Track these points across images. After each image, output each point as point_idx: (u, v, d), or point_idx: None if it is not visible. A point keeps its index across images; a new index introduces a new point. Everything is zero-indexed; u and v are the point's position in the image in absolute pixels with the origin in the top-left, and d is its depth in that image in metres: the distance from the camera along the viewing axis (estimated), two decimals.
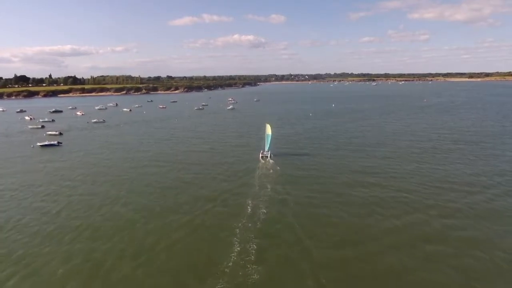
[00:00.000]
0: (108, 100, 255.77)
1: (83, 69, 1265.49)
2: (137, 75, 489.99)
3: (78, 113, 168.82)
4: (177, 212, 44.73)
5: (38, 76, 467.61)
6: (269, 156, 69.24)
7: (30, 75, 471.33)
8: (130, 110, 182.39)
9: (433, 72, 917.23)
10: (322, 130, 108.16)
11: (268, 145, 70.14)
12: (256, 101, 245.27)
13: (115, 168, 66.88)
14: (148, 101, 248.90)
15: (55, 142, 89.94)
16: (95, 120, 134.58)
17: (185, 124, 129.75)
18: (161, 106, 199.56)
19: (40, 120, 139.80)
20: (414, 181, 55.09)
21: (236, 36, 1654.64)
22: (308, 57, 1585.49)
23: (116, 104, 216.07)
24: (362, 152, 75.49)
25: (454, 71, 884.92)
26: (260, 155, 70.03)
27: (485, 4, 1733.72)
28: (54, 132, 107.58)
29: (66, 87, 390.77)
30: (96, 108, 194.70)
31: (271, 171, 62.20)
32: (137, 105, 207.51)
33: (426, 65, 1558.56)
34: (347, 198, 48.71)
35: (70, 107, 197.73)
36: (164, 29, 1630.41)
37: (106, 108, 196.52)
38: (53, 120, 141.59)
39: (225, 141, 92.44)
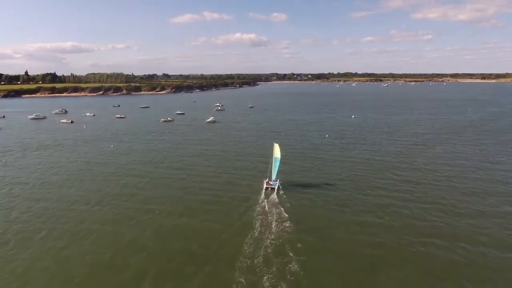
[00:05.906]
0: (75, 102, 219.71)
1: (84, 66, 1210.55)
2: (136, 73, 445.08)
3: None
4: None
5: (39, 73, 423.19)
6: (276, 187, 50.89)
7: (31, 72, 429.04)
8: (71, 122, 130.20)
9: (437, 72, 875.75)
10: (357, 184, 56.36)
11: (276, 173, 51.98)
12: (250, 107, 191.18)
13: None
14: (114, 106, 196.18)
15: None
16: None
17: (125, 153, 77.91)
18: (118, 116, 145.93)
19: None
20: None
21: (237, 35, 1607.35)
22: (309, 56, 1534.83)
23: (65, 111, 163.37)
24: None
25: (456, 72, 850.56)
26: (265, 186, 51.54)
27: (489, 4, 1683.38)
28: None
29: (34, 86, 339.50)
30: (30, 117, 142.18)
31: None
32: (89, 113, 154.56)
33: (428, 65, 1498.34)
34: None
35: None
36: (165, 26, 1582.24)
37: (44, 117, 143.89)
38: None
39: (172, 213, 40.77)
